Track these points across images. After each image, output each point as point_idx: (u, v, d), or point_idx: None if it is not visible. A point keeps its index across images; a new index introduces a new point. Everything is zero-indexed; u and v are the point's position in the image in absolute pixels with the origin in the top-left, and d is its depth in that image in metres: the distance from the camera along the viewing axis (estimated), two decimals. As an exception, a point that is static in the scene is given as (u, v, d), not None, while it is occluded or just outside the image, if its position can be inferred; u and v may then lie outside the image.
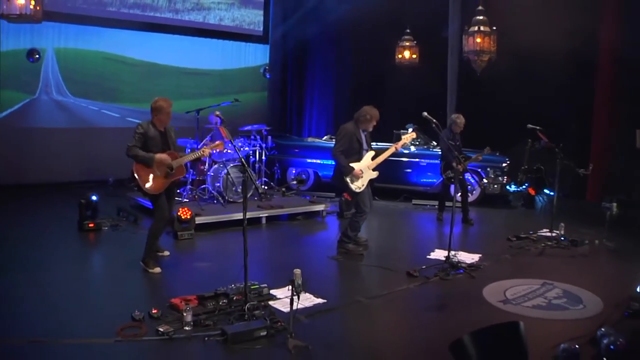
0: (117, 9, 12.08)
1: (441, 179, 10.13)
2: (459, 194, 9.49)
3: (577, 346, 4.41)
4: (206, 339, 4.71)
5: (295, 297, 4.69)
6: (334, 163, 7.76)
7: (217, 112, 5.97)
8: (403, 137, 8.10)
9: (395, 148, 7.79)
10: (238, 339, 4.65)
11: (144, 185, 6.51)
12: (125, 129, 12.38)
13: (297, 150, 12.32)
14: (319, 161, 12.04)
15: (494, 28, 9.59)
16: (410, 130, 11.38)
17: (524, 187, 11.81)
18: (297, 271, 4.70)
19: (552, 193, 10.90)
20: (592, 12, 11.21)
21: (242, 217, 5.40)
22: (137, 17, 12.34)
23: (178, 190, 9.14)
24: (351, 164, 7.39)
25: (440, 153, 10.16)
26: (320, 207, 10.10)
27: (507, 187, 11.70)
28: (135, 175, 6.51)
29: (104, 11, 11.93)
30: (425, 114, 7.36)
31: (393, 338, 5.23)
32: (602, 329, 4.71)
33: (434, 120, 7.41)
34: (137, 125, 6.56)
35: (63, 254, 7.19)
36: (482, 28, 9.55)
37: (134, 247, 7.33)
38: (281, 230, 9.21)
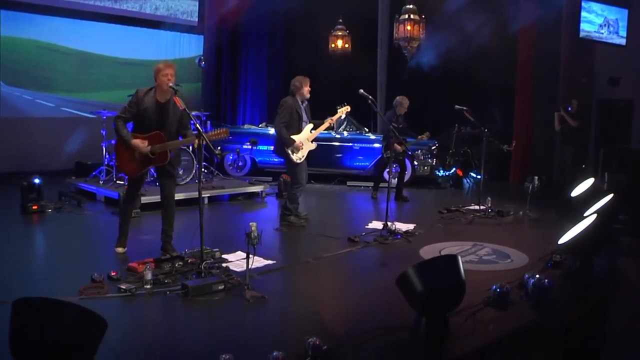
0: (58, -3, 11.96)
1: (374, 160, 10.63)
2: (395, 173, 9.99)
3: (507, 286, 4.93)
4: (167, 292, 4.97)
5: (252, 249, 5.00)
6: (274, 134, 8.10)
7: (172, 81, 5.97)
8: (338, 110, 8.28)
9: (332, 120, 8.15)
10: (198, 291, 4.92)
11: (119, 163, 6.40)
12: (60, 119, 12.37)
13: (233, 137, 12.53)
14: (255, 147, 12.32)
15: (423, 17, 10.16)
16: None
17: (452, 170, 12.46)
18: (253, 224, 5.02)
19: (478, 176, 11.58)
20: (514, 11, 11.95)
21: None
22: (76, 6, 12.17)
23: (121, 175, 9.24)
24: (292, 136, 7.77)
25: (373, 137, 10.63)
26: (259, 188, 10.42)
27: (436, 171, 12.32)
28: (115, 150, 6.28)
29: (43, -1, 11.79)
30: (362, 91, 7.79)
31: (341, 287, 5.69)
32: (528, 274, 5.24)
33: (370, 97, 7.88)
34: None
35: (10, 233, 7.20)
36: (412, 16, 10.11)
37: (81, 227, 7.57)
38: (224, 208, 9.49)
